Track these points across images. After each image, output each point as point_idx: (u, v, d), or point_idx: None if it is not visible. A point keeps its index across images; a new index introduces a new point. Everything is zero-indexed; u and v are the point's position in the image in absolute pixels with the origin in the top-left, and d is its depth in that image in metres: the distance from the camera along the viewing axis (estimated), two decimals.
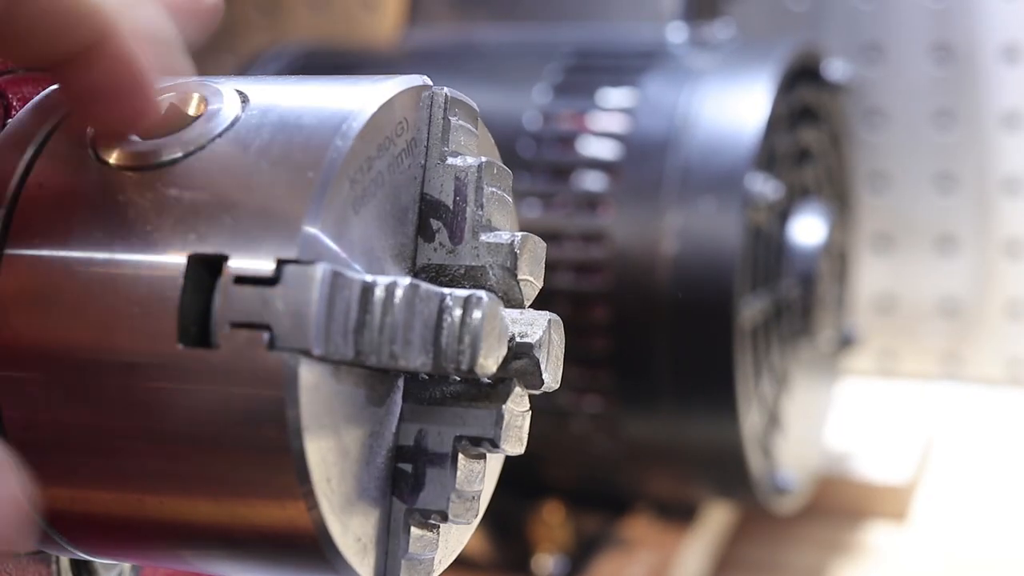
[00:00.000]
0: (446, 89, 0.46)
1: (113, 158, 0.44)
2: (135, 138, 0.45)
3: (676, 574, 1.09)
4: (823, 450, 1.26)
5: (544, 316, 0.45)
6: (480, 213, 0.45)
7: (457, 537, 0.47)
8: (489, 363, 0.42)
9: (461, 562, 0.50)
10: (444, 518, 0.43)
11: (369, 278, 0.41)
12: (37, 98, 0.48)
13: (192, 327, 0.41)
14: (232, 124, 0.44)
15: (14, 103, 0.49)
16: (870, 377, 1.57)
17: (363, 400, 0.43)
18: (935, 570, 1.17)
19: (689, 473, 1.07)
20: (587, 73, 1.10)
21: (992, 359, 1.55)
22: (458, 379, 0.44)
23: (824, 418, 1.26)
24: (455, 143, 0.46)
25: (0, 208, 0.44)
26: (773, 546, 1.21)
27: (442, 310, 0.41)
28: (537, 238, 0.46)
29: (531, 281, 0.46)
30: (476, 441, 0.43)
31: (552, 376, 0.45)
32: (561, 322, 0.46)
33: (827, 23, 1.54)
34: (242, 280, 0.40)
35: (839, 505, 1.26)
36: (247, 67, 1.27)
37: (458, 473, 0.43)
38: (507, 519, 1.15)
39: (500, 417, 0.43)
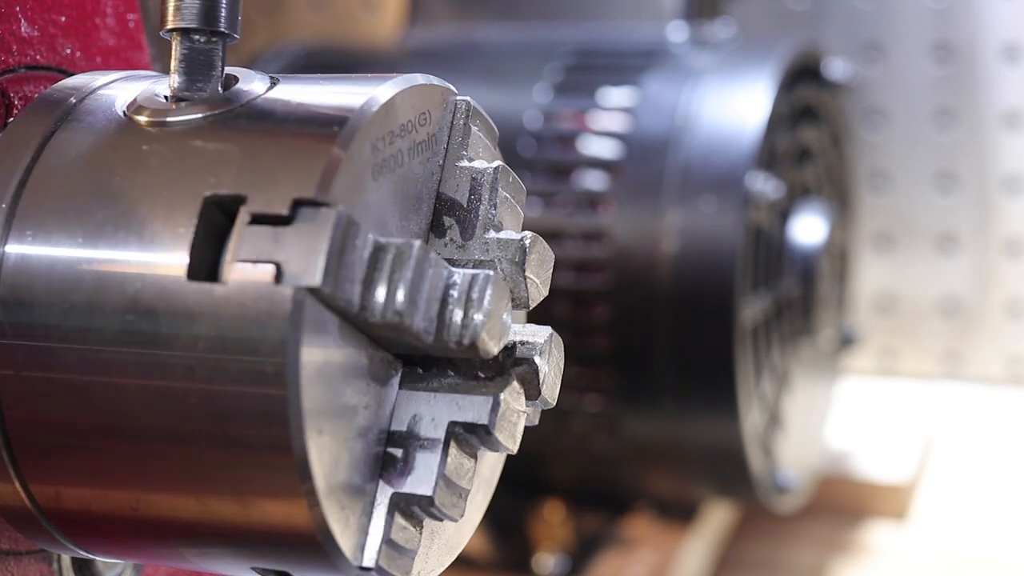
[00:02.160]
0: (470, 99, 0.47)
1: (144, 116, 0.45)
2: (165, 101, 0.46)
3: (676, 573, 1.09)
4: (824, 449, 1.26)
5: (546, 329, 0.46)
6: (493, 213, 0.46)
7: (442, 546, 0.47)
8: (490, 342, 0.42)
9: (461, 561, 0.50)
10: (430, 504, 0.42)
11: (382, 239, 0.41)
12: (44, 92, 0.48)
13: (202, 265, 0.41)
14: (265, 91, 0.45)
15: (15, 102, 0.49)
16: (870, 376, 1.57)
17: (363, 384, 0.42)
18: (935, 569, 1.17)
19: (690, 472, 1.07)
20: (588, 72, 1.10)
21: (992, 358, 1.55)
22: (455, 372, 0.44)
23: (825, 417, 1.26)
24: (473, 151, 0.47)
25: (15, 178, 0.45)
26: (773, 545, 1.21)
27: (449, 286, 0.42)
28: (547, 245, 0.47)
29: (537, 283, 0.46)
30: (470, 428, 0.43)
31: (550, 389, 0.46)
32: (561, 342, 0.46)
33: (827, 22, 1.54)
34: (256, 219, 0.41)
35: (839, 504, 1.26)
36: (247, 66, 1.27)
37: (449, 460, 0.42)
38: (508, 518, 1.15)
39: (496, 404, 0.43)
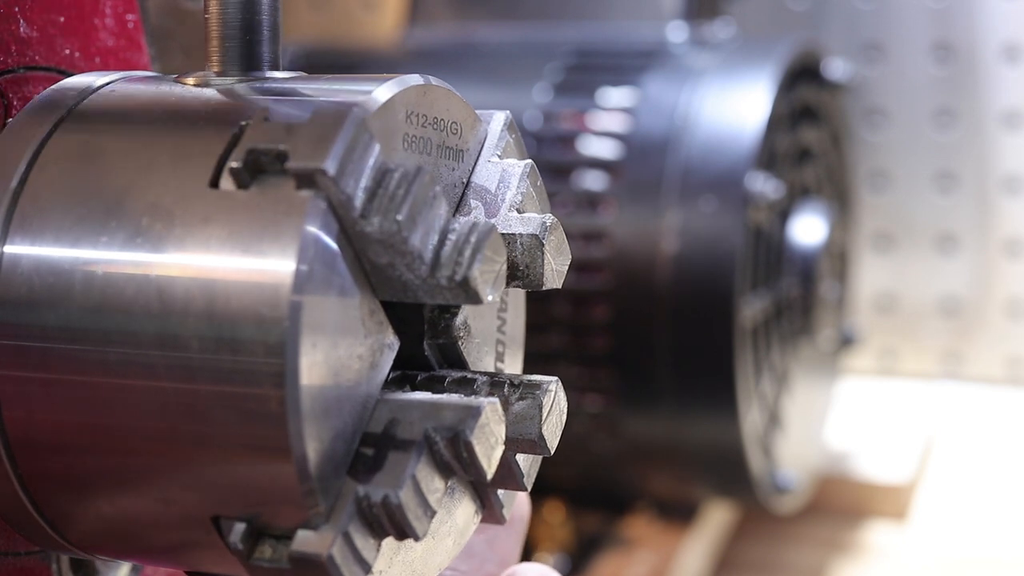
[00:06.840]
0: (509, 112, 0.48)
1: (191, 81, 0.47)
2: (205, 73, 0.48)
3: (676, 573, 1.09)
4: (823, 449, 1.26)
5: (554, 378, 0.46)
6: (519, 198, 0.46)
7: (407, 563, 0.45)
8: (483, 283, 0.41)
9: None
10: (394, 505, 0.40)
11: (390, 164, 0.41)
12: (43, 93, 0.48)
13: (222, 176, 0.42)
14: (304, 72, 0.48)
15: (14, 103, 0.49)
16: (870, 376, 1.57)
17: (356, 377, 0.42)
18: (935, 569, 1.17)
19: (689, 472, 1.07)
20: (587, 72, 1.10)
21: (992, 358, 1.55)
22: (444, 391, 0.44)
23: (824, 417, 1.26)
24: (506, 156, 0.48)
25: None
26: (773, 545, 1.21)
27: (451, 227, 0.42)
28: (566, 238, 0.47)
29: (552, 266, 0.46)
30: (447, 436, 0.41)
31: (550, 432, 0.46)
32: (565, 397, 0.47)
33: (827, 22, 1.54)
34: (271, 118, 0.41)
35: (839, 504, 1.26)
36: None
37: (421, 465, 0.41)
38: None
39: (478, 411, 0.41)
